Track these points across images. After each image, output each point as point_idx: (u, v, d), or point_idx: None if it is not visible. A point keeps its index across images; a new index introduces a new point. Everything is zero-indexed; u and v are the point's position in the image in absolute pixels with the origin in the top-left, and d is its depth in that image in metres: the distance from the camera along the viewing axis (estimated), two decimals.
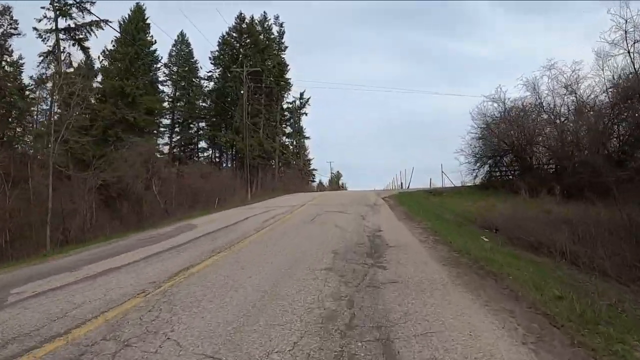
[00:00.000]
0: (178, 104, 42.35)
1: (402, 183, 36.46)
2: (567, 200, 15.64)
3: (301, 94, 48.24)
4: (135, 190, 23.90)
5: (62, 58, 29.11)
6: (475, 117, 23.42)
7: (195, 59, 42.57)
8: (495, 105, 22.86)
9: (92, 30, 29.68)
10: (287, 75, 43.76)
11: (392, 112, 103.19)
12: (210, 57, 41.73)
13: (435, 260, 5.85)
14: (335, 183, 66.45)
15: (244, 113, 31.05)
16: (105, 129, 30.44)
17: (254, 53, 40.06)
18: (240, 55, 40.08)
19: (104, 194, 24.47)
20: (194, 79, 42.31)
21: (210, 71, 42.43)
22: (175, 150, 42.04)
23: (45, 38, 28.78)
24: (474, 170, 23.58)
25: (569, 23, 76.93)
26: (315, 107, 75.11)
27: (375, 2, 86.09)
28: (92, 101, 32.62)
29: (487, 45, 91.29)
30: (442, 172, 29.20)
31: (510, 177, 22.83)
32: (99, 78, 33.11)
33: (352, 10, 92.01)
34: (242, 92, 33.24)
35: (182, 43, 42.47)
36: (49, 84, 26.79)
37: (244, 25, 42.06)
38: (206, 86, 43.12)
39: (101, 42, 45.43)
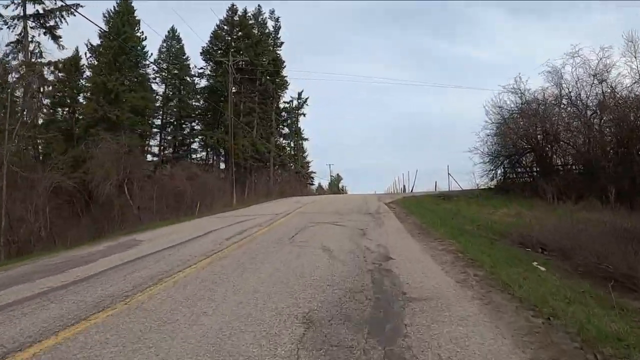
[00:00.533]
0: (170, 103, 39.34)
1: (404, 186, 33.52)
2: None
3: (299, 94, 45.37)
4: (104, 193, 20.89)
5: (32, 48, 26.23)
6: (490, 111, 20.34)
7: (186, 56, 39.69)
8: (512, 97, 19.86)
9: (62, 16, 26.78)
10: (284, 73, 40.97)
11: (392, 113, 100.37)
12: (200, 53, 38.93)
13: (512, 346, 2.84)
14: (335, 186, 63.77)
15: (229, 106, 28.08)
16: (87, 128, 27.79)
17: (247, 47, 37.20)
18: (232, 49, 37.13)
19: (69, 198, 21.52)
20: (186, 77, 39.34)
21: (201, 68, 39.63)
22: (166, 151, 39.10)
23: (11, 25, 25.91)
24: (490, 171, 20.53)
25: (568, 24, 73.80)
26: (315, 109, 72.49)
27: (376, 2, 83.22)
28: (81, 100, 30.26)
29: (487, 46, 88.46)
30: (449, 174, 26.21)
31: (528, 178, 19.87)
32: (86, 75, 30.64)
33: (352, 11, 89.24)
34: (232, 86, 30.37)
35: (172, 39, 39.46)
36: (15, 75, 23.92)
37: (236, 18, 39.21)
38: (197, 83, 40.31)
39: (89, 37, 42.49)
